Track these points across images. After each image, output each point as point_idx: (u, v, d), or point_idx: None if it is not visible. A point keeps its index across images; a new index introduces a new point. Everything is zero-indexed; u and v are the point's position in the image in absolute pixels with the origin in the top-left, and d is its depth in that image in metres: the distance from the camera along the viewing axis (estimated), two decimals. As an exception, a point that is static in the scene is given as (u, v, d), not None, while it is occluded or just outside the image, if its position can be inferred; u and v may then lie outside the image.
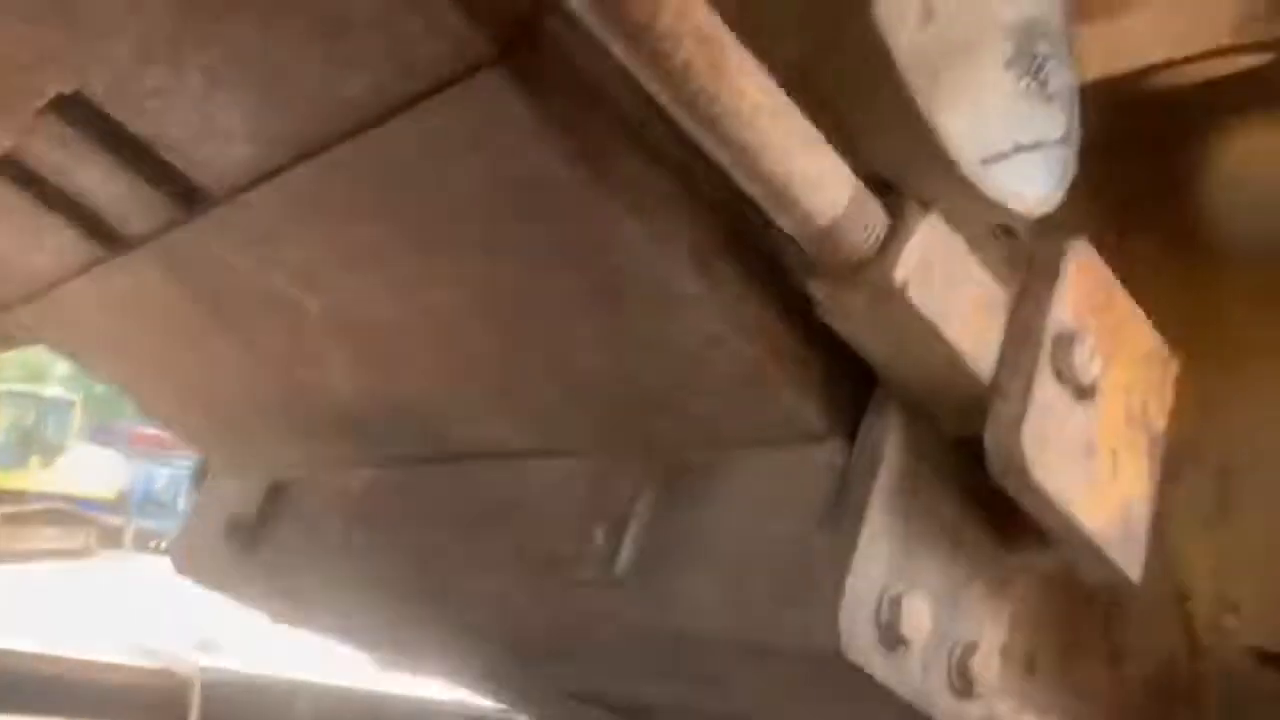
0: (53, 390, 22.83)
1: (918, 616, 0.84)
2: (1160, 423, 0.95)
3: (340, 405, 1.33)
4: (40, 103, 1.01)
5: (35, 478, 20.50)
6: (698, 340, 0.91)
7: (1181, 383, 0.97)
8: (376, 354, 1.18)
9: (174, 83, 0.91)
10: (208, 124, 0.95)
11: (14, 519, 18.58)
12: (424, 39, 0.76)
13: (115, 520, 22.19)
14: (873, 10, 0.74)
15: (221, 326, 1.31)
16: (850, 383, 0.94)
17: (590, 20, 0.63)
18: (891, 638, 0.83)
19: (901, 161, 0.84)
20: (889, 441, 0.90)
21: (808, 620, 0.83)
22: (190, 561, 1.70)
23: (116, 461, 23.65)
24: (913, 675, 0.85)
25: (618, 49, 0.63)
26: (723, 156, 0.72)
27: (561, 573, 1.02)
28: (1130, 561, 0.89)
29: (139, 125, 1.00)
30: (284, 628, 2.26)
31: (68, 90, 0.98)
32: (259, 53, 0.84)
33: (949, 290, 0.85)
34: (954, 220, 0.86)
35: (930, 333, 0.84)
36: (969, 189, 0.84)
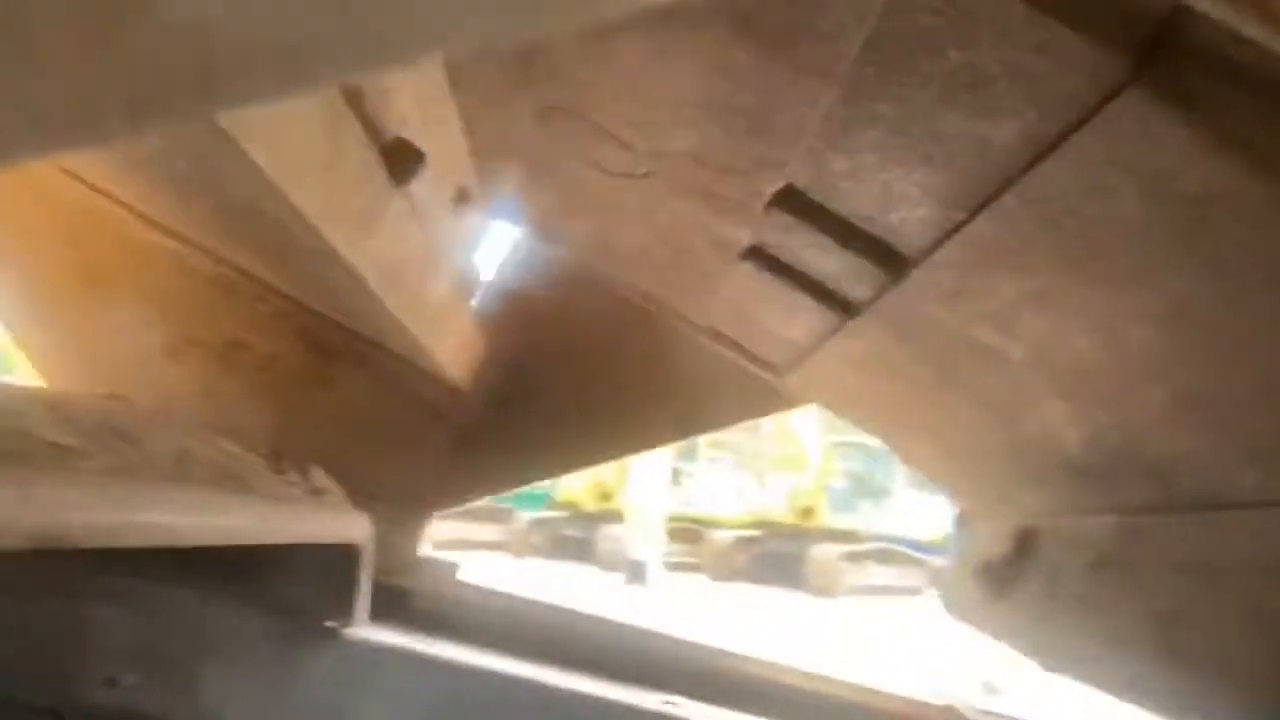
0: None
1: None
2: None
3: (1066, 452, 1.29)
4: (762, 201, 1.19)
5: (866, 520, 22.79)
6: None
7: None
8: (1086, 397, 1.13)
9: (855, 164, 1.02)
10: (889, 194, 1.03)
11: (850, 557, 20.89)
12: (1056, 76, 0.74)
13: (940, 561, 23.51)
14: None
15: (944, 378, 1.37)
16: None
17: (1238, 21, 0.56)
18: None
19: None
20: None
21: None
22: (952, 602, 1.78)
23: (940, 505, 25.15)
24: None
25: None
26: None
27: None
28: None
29: (838, 205, 1.13)
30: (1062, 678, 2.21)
31: (780, 186, 1.15)
32: (913, 121, 0.90)
33: None
34: None
35: None
36: None
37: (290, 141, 0.89)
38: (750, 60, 0.94)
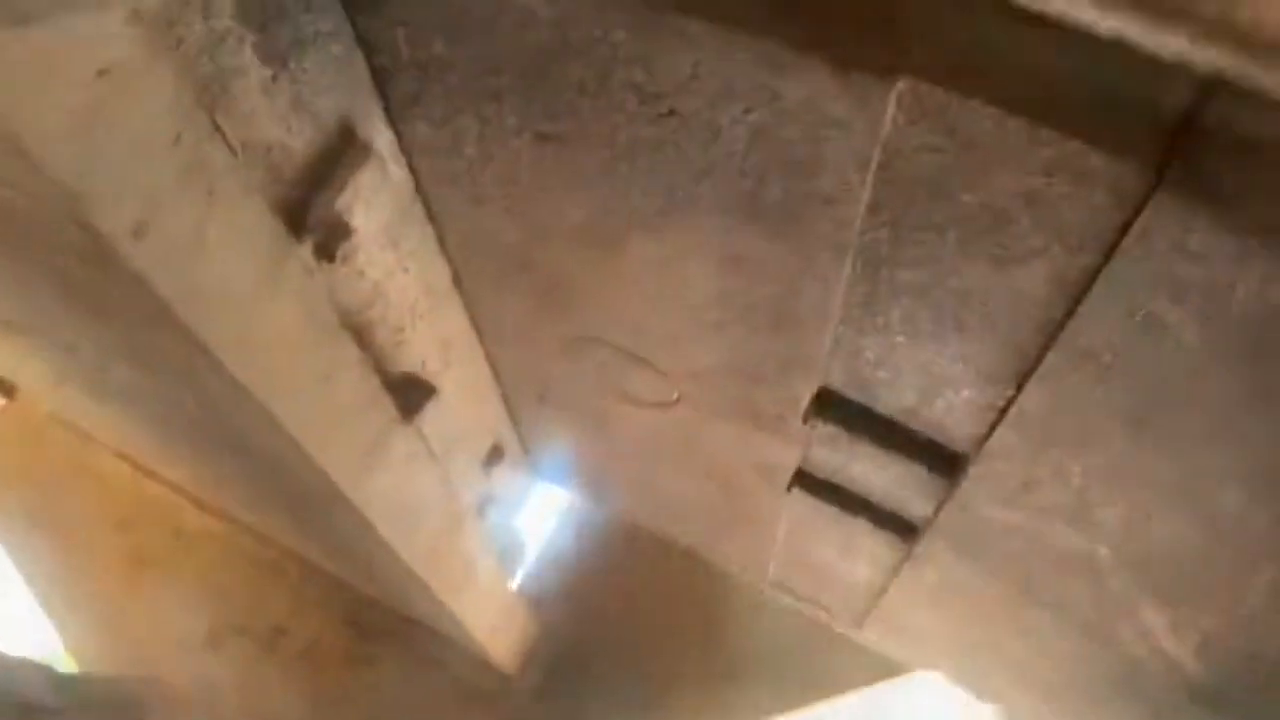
0: None
1: None
2: None
3: (1177, 672, 1.12)
4: (800, 411, 1.12)
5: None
6: None
7: None
8: (1187, 595, 0.98)
9: (887, 347, 0.95)
10: (928, 377, 0.96)
11: None
12: (1074, 197, 0.68)
13: None
14: None
15: (1026, 595, 1.22)
16: None
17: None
18: None
19: None
20: None
21: None
22: None
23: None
24: None
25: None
26: None
27: None
28: None
29: (878, 400, 1.05)
30: None
31: (813, 390, 1.08)
32: (937, 282, 0.83)
33: None
34: None
35: None
36: None
37: (271, 357, 0.86)
38: (759, 241, 0.91)
